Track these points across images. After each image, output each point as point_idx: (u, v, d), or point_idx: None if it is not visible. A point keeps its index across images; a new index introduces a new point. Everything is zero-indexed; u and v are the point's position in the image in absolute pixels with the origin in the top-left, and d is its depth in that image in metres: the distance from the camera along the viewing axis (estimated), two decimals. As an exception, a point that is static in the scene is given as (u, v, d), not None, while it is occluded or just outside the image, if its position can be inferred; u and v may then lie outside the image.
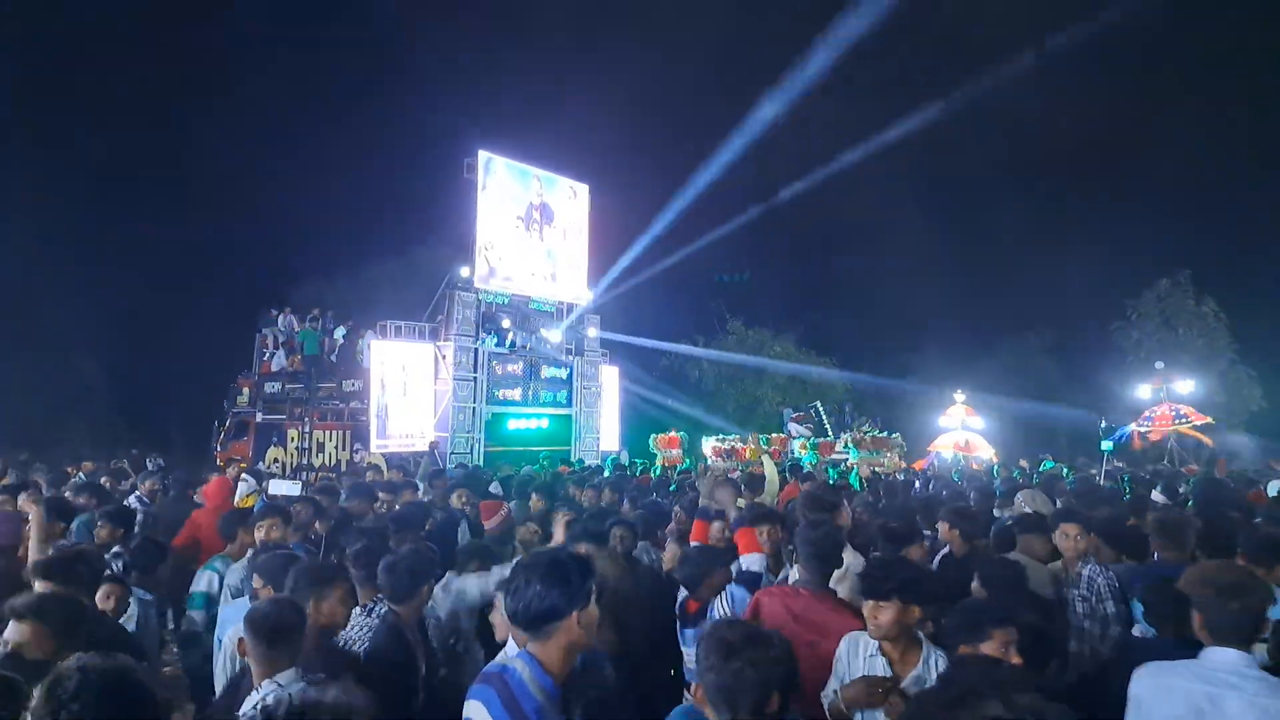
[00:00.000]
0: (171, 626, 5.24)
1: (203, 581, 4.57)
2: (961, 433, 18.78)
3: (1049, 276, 26.96)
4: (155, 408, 26.23)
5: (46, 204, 22.92)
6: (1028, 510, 5.48)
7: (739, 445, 17.71)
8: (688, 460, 17.42)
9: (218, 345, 25.49)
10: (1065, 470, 13.37)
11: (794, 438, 18.02)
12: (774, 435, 18.42)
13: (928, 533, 5.36)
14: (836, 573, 3.62)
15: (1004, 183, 32.16)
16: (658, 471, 13.23)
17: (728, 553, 4.10)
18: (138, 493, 7.35)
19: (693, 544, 4.54)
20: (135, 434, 22.64)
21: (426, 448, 16.66)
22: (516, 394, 18.58)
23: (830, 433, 18.94)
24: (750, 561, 3.86)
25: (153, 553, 4.71)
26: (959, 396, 19.82)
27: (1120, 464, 16.14)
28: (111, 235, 24.96)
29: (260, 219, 34.63)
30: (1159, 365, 21.05)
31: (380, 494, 6.89)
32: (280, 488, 8.17)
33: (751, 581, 3.67)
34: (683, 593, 3.64)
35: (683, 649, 3.75)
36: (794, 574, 3.98)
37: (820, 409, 19.91)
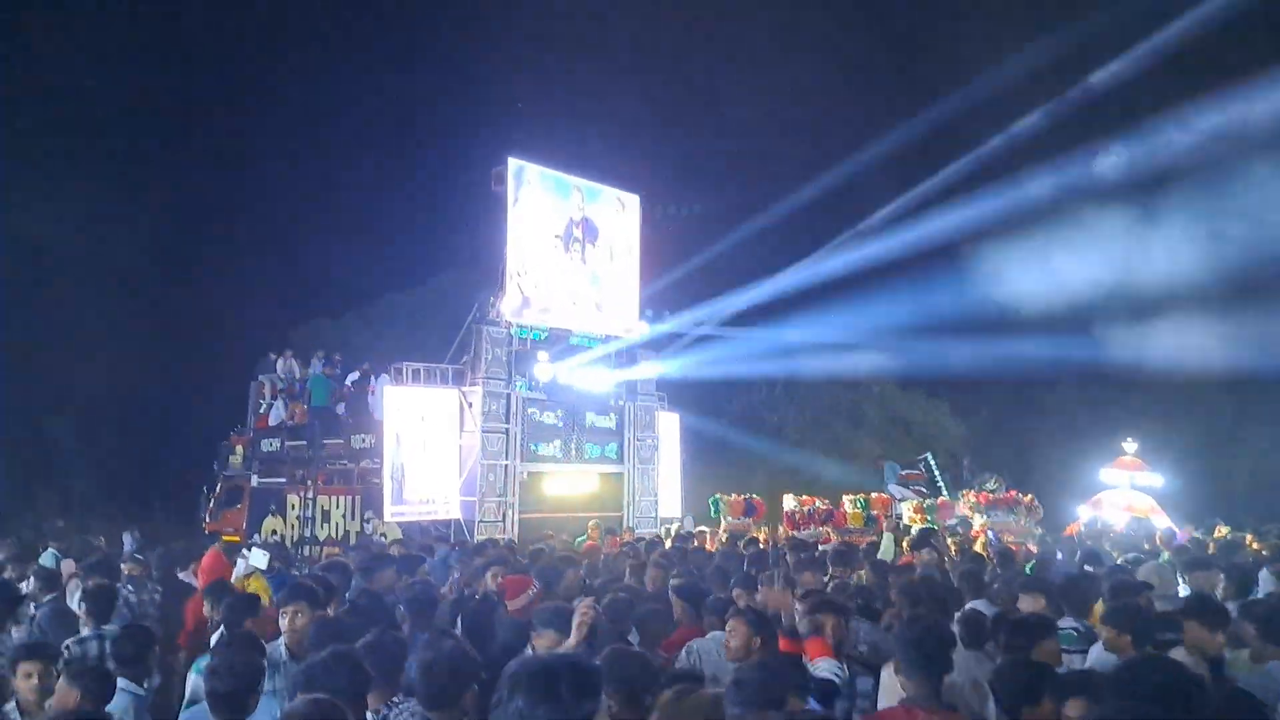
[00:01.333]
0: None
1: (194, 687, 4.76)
2: (1129, 492, 18.09)
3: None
4: (134, 471, 27.06)
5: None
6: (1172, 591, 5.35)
7: (833, 508, 17.42)
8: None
9: (206, 396, 26.28)
10: (1250, 538, 12.82)
11: (899, 500, 17.65)
12: (874, 495, 18.07)
13: (1075, 625, 5.17)
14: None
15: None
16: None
17: (798, 668, 3.86)
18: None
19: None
20: (111, 503, 23.31)
21: (450, 515, 16.80)
22: (556, 448, 18.66)
23: (945, 491, 18.51)
24: (822, 668, 3.72)
25: (138, 641, 4.90)
26: (1129, 446, 19.16)
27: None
28: (77, 256, 26.03)
29: (257, 248, 35.85)
30: None
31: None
32: (257, 559, 8.35)
33: (827, 693, 3.51)
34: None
35: None
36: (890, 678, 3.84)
37: (931, 462, 19.50)
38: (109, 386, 26.97)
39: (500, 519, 17.10)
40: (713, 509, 17.86)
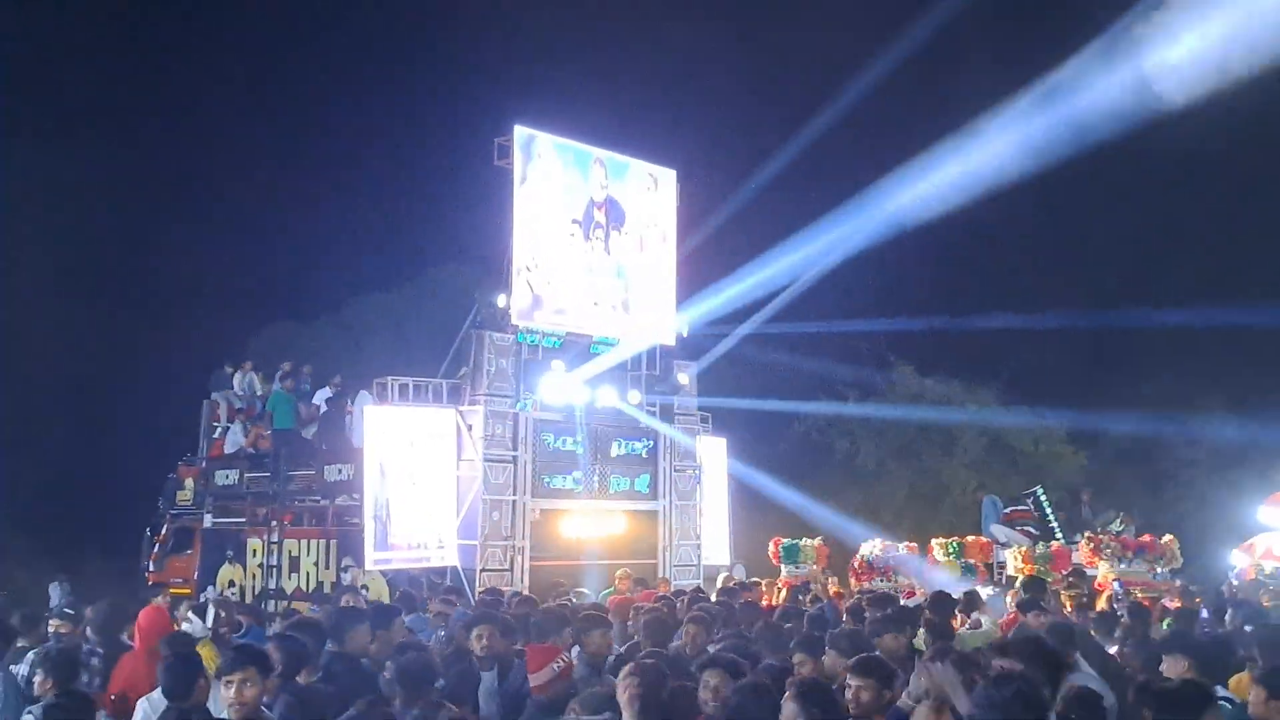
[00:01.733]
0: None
1: None
2: None
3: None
4: (62, 509, 27.36)
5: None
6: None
7: (919, 554, 17.35)
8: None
9: (149, 418, 26.55)
10: None
11: (1002, 544, 17.50)
12: (969, 539, 17.95)
13: (1227, 696, 5.15)
14: None
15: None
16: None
17: None
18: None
19: None
20: (37, 550, 23.60)
21: (445, 561, 16.85)
22: (575, 480, 18.65)
23: (1060, 533, 18.33)
24: None
25: (73, 711, 5.21)
26: None
27: None
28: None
29: (209, 237, 36.22)
30: None
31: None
32: (195, 627, 8.45)
33: None
34: None
35: None
36: None
37: (1042, 498, 19.31)
38: (30, 408, 27.31)
39: (507, 566, 17.12)
40: (787, 557, 17.83)
